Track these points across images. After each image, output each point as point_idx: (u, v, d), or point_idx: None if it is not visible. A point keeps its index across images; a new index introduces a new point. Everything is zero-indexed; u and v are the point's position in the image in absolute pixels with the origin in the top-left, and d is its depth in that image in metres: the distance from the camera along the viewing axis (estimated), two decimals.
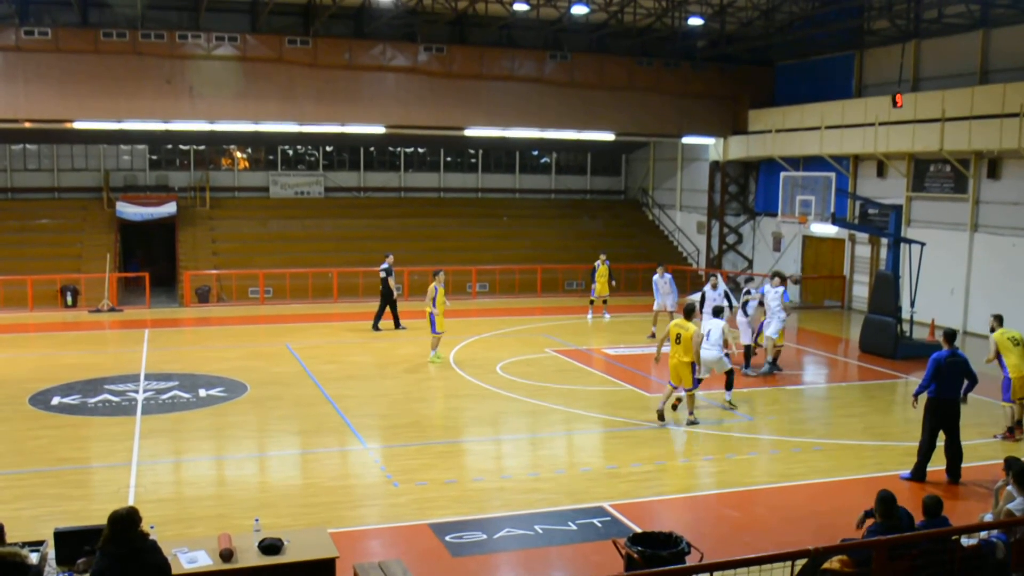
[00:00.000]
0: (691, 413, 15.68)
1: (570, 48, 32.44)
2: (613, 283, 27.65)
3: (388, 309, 25.12)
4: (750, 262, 35.31)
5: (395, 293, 25.17)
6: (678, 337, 15.37)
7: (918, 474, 12.80)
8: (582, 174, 41.70)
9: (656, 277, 24.78)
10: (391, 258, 25.35)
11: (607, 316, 27.51)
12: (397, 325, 25.15)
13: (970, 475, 12.91)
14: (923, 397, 13.19)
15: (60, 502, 11.71)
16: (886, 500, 8.61)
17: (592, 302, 27.57)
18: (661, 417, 15.65)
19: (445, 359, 21.11)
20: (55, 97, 27.64)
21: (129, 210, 32.02)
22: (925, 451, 12.85)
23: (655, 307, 24.64)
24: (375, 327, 25.02)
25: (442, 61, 30.84)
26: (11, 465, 13.37)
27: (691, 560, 7.94)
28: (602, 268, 26.98)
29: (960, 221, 26.30)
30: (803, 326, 26.72)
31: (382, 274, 24.91)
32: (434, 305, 20.54)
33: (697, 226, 37.01)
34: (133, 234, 33.51)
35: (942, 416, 12.85)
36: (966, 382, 13.06)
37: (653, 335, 23.63)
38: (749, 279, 22.50)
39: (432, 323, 20.66)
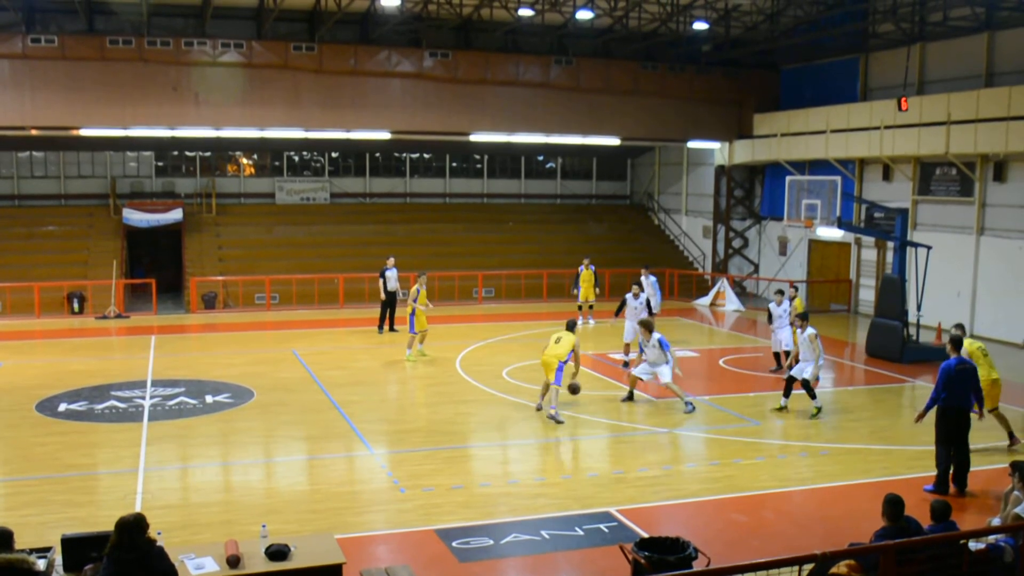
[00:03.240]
0: (553, 407, 16.31)
1: (575, 53, 32.48)
2: (597, 290, 27.48)
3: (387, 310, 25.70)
4: (756, 266, 35.28)
5: (396, 296, 25.53)
6: (558, 339, 16.70)
7: (941, 486, 12.63)
8: (587, 179, 41.69)
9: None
10: (390, 260, 25.65)
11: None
12: (380, 328, 25.55)
13: (977, 480, 12.86)
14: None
15: (67, 508, 11.73)
16: (894, 503, 8.58)
17: (580, 307, 27.41)
18: (539, 408, 16.89)
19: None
20: (61, 104, 27.73)
21: (135, 217, 32.07)
22: (942, 461, 12.72)
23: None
24: (392, 328, 25.52)
25: (447, 66, 30.87)
26: (18, 471, 13.42)
27: (698, 565, 7.93)
28: (586, 272, 26.76)
29: (966, 224, 26.25)
30: None
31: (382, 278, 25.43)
32: (415, 304, 21.57)
33: (703, 230, 36.99)
34: (139, 240, 33.56)
35: (951, 424, 12.69)
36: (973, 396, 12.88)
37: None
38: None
39: (411, 322, 21.55)
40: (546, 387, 16.67)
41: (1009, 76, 24.84)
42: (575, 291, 27.57)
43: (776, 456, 14.39)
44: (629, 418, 16.63)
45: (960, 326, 15.03)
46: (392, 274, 25.33)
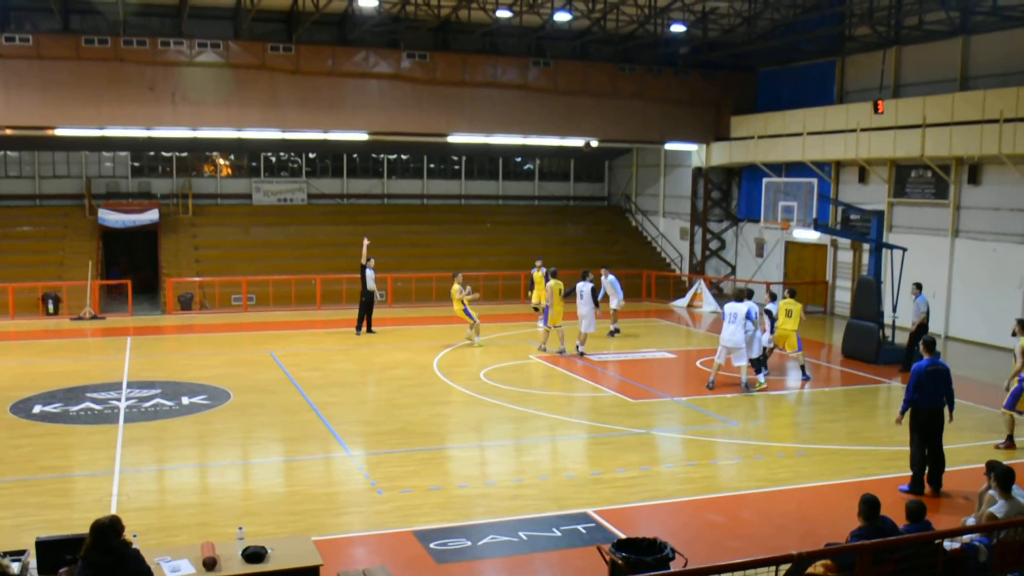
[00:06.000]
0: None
1: (553, 55, 32.51)
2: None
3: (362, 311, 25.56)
4: (733, 268, 35.42)
5: (374, 296, 25.65)
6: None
7: (916, 487, 12.73)
8: (565, 180, 41.76)
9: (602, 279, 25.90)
10: (370, 261, 25.54)
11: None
12: (358, 329, 25.42)
13: (952, 480, 12.96)
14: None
15: (42, 511, 11.63)
16: (870, 503, 8.63)
17: (536, 308, 25.72)
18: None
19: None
20: (36, 104, 27.46)
21: (111, 217, 31.84)
22: (916, 462, 12.81)
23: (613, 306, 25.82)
24: (369, 330, 25.45)
25: (425, 68, 30.83)
26: None
27: (675, 566, 7.94)
28: (538, 274, 26.17)
29: (941, 226, 26.46)
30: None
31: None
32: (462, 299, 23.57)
33: (680, 232, 37.11)
34: (115, 241, 33.34)
35: (923, 425, 12.79)
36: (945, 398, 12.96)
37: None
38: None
39: (468, 313, 23.70)
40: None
41: (983, 80, 25.06)
42: (530, 294, 26.70)
43: (753, 457, 14.45)
44: (606, 419, 16.65)
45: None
46: (371, 274, 25.23)
